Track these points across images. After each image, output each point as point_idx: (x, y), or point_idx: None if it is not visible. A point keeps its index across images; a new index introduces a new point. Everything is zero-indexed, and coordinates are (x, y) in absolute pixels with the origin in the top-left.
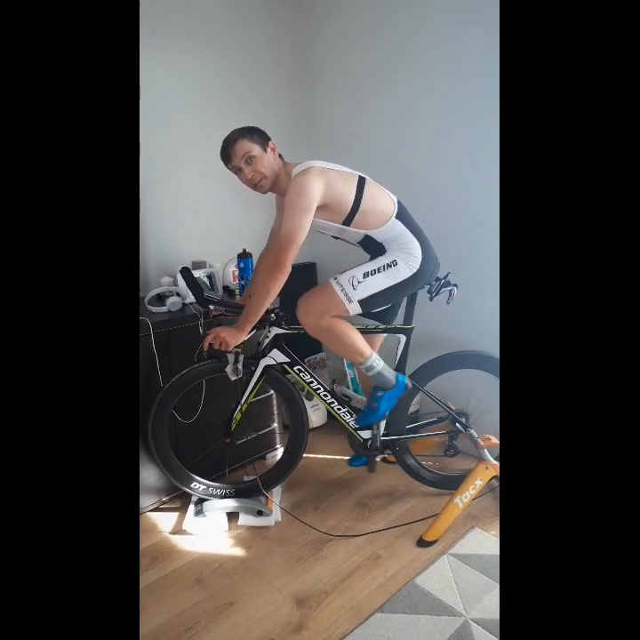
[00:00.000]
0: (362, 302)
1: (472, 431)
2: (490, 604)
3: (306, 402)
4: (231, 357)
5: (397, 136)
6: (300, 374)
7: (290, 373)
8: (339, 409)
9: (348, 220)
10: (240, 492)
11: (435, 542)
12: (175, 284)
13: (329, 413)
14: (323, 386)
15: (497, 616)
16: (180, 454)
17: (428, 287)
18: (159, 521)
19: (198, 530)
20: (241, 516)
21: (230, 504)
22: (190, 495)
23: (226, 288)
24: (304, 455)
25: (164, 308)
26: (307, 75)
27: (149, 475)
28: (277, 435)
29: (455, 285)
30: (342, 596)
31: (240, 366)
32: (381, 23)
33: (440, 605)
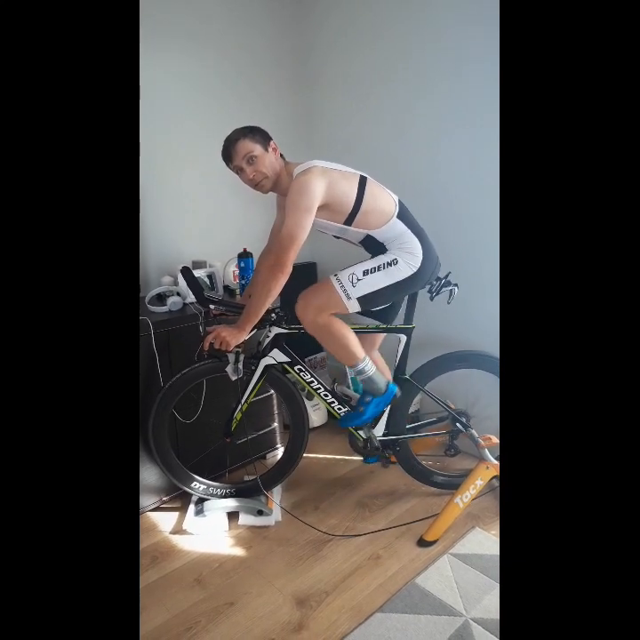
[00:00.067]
0: (361, 300)
1: (472, 431)
2: (490, 603)
3: (306, 401)
4: (232, 357)
5: (397, 136)
6: (301, 374)
7: (290, 373)
8: (339, 409)
9: (349, 220)
10: (240, 491)
11: (435, 542)
12: (176, 283)
13: (329, 413)
14: (323, 385)
15: (497, 616)
16: (180, 454)
17: (428, 287)
18: (159, 521)
19: (198, 529)
20: (241, 515)
21: (230, 504)
22: (190, 495)
23: (226, 288)
24: (304, 455)
25: (164, 308)
26: (307, 75)
27: (150, 474)
28: (278, 434)
29: (456, 285)
30: (342, 595)
31: (240, 366)
32: (381, 23)
33: (440, 605)
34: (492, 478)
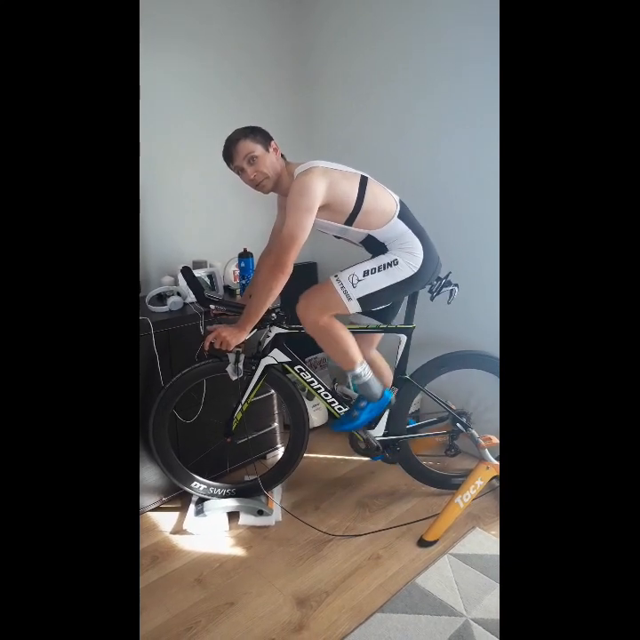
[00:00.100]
0: (361, 300)
1: (473, 431)
2: (490, 604)
3: (306, 401)
4: (232, 357)
5: (397, 136)
6: (301, 374)
7: (291, 373)
8: (339, 409)
9: (350, 220)
10: (241, 491)
11: (435, 542)
12: (176, 283)
13: (330, 413)
14: (323, 385)
15: (497, 616)
16: (180, 454)
17: (428, 287)
18: (159, 520)
19: (199, 529)
20: (241, 515)
21: (231, 504)
22: (191, 495)
23: (227, 287)
24: (305, 455)
25: (164, 308)
26: (307, 75)
27: (150, 474)
28: (278, 434)
29: (456, 285)
30: (343, 595)
31: (241, 366)
32: (381, 23)
33: (441, 605)
34: (492, 478)
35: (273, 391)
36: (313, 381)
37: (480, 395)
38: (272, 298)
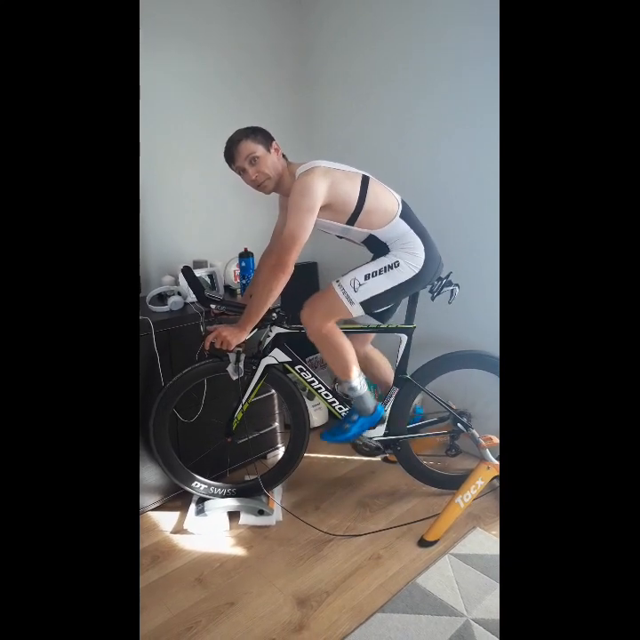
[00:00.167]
0: (364, 304)
1: (473, 431)
2: (491, 604)
3: (307, 401)
4: (232, 357)
5: (397, 136)
6: (302, 374)
7: (291, 373)
8: (340, 408)
9: (352, 220)
10: (241, 491)
11: (436, 542)
12: (176, 283)
13: (330, 413)
14: (324, 385)
15: (498, 616)
16: (181, 453)
17: (429, 287)
18: (160, 520)
19: (199, 529)
20: (242, 515)
21: (231, 503)
22: (191, 494)
23: (227, 287)
24: (305, 455)
25: (165, 308)
26: (307, 75)
27: (150, 474)
28: (278, 434)
29: (457, 285)
30: (343, 595)
31: (241, 365)
32: (381, 23)
33: (441, 605)
34: (492, 478)
35: (273, 391)
36: (313, 381)
37: (480, 394)
38: (273, 298)
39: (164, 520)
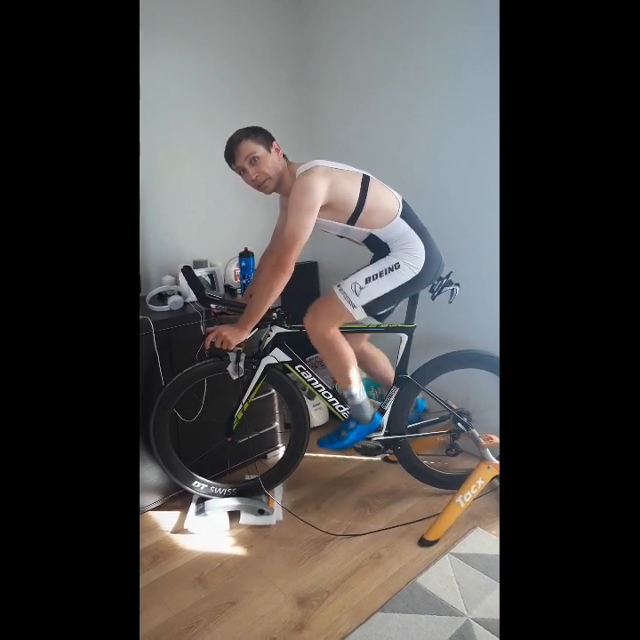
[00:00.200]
0: (366, 307)
1: (474, 430)
2: (491, 603)
3: (307, 401)
4: (233, 356)
5: (397, 136)
6: (302, 373)
7: (291, 372)
8: (340, 408)
9: (352, 219)
10: (241, 491)
11: (436, 542)
12: (176, 282)
13: (330, 412)
14: (324, 385)
15: (498, 616)
16: (181, 453)
17: (429, 286)
18: (160, 520)
19: (199, 529)
20: (242, 514)
21: (232, 503)
22: (191, 494)
23: (227, 287)
24: (305, 454)
25: (165, 307)
26: (307, 75)
27: (151, 474)
28: (279, 434)
29: (457, 285)
30: (343, 595)
31: (241, 365)
32: (381, 23)
33: (441, 605)
34: (493, 478)
35: (274, 390)
36: (314, 381)
37: (481, 394)
38: (273, 297)
39: (165, 520)
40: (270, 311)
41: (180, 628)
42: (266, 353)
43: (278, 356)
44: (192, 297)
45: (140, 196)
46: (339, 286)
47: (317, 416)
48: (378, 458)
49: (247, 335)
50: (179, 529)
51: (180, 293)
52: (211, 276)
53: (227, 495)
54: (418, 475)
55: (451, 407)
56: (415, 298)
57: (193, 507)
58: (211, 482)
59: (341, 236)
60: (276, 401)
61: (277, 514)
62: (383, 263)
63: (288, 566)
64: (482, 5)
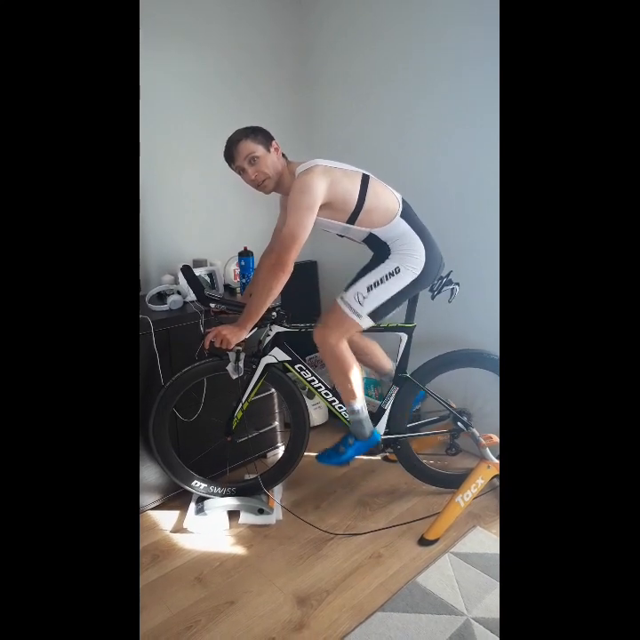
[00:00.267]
0: (371, 314)
1: (474, 430)
2: (491, 603)
3: (307, 400)
4: (232, 356)
5: (397, 136)
6: (302, 372)
7: (291, 372)
8: (340, 407)
9: (352, 219)
10: (241, 490)
11: (436, 541)
12: (176, 282)
13: (330, 412)
14: (324, 384)
15: (498, 615)
16: (180, 453)
17: (429, 286)
18: (160, 519)
19: (199, 528)
20: (242, 514)
21: (231, 502)
22: (191, 493)
23: (227, 286)
24: (305, 454)
25: (165, 307)
26: (307, 75)
27: (150, 473)
28: (278, 433)
29: (457, 284)
30: (343, 594)
31: (241, 365)
32: (381, 23)
33: (441, 604)
34: (493, 477)
35: (273, 390)
36: (313, 380)
37: (481, 393)
38: (273, 297)
39: (164, 519)
40: (270, 310)
41: (180, 627)
42: (265, 352)
43: (278, 355)
44: (191, 296)
45: (140, 195)
46: (342, 298)
47: (317, 415)
48: (378, 457)
49: (247, 334)
50: (178, 528)
51: (179, 293)
52: (210, 275)
53: (226, 494)
54: (418, 474)
55: (451, 406)
56: (415, 297)
57: (192, 506)
58: (210, 481)
59: (341, 236)
60: (275, 400)
61: (277, 513)
62: (383, 269)
63: (288, 566)
64: (482, 5)
